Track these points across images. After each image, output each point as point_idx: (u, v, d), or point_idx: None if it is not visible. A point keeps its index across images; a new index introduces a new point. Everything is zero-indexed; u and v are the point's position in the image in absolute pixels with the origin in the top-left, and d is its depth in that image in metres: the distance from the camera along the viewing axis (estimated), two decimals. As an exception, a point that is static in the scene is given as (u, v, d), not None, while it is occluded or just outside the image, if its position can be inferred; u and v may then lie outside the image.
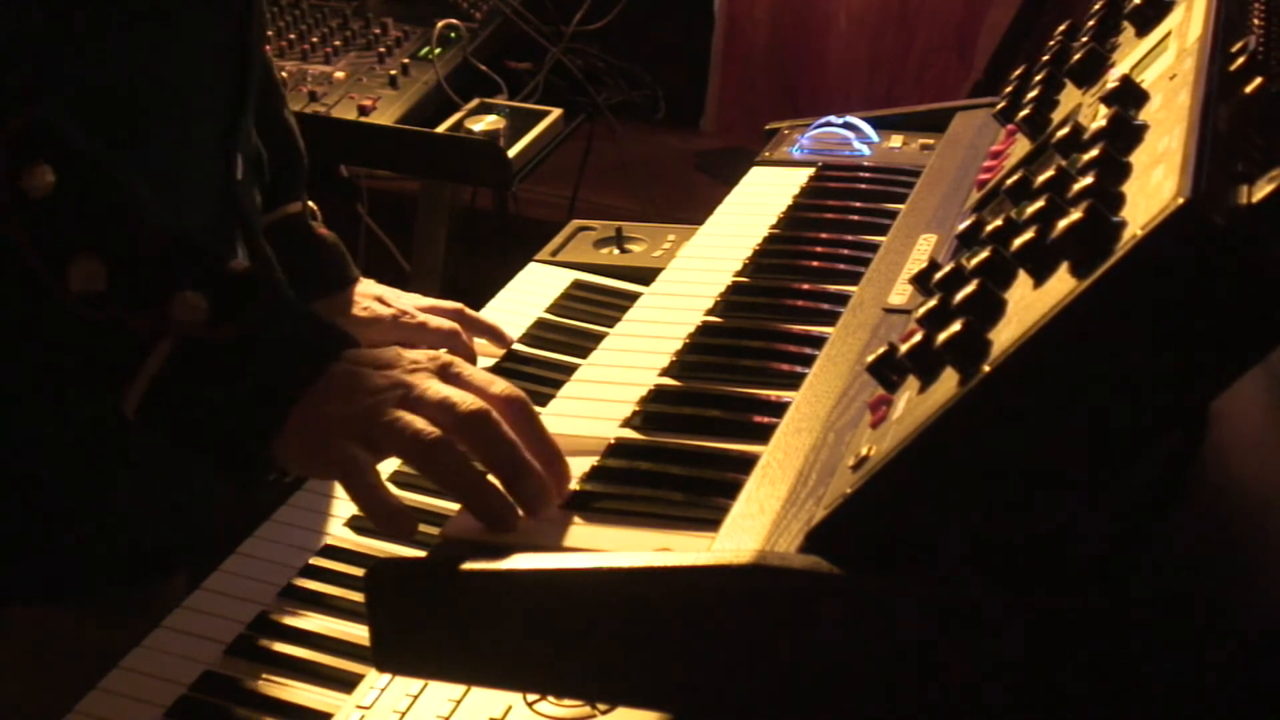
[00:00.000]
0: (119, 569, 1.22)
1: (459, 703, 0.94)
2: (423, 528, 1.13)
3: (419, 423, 0.92)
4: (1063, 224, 0.71)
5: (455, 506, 1.05)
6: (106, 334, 0.97)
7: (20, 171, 0.97)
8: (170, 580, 1.24)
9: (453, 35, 2.44)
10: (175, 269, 0.98)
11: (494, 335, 1.35)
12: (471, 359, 1.29)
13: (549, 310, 1.42)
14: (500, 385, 0.97)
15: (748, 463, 0.92)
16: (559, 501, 0.94)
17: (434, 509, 1.15)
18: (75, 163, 0.99)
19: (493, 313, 1.40)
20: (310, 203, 1.42)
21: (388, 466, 1.21)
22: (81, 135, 1.01)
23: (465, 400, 0.94)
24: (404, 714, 0.94)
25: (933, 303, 0.82)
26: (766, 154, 1.51)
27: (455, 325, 1.33)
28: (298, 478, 1.10)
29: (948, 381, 0.74)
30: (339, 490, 1.19)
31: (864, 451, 0.79)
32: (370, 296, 1.36)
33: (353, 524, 1.16)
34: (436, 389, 0.94)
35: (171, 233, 1.00)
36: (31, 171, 0.97)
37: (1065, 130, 0.88)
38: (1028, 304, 0.72)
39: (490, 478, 0.92)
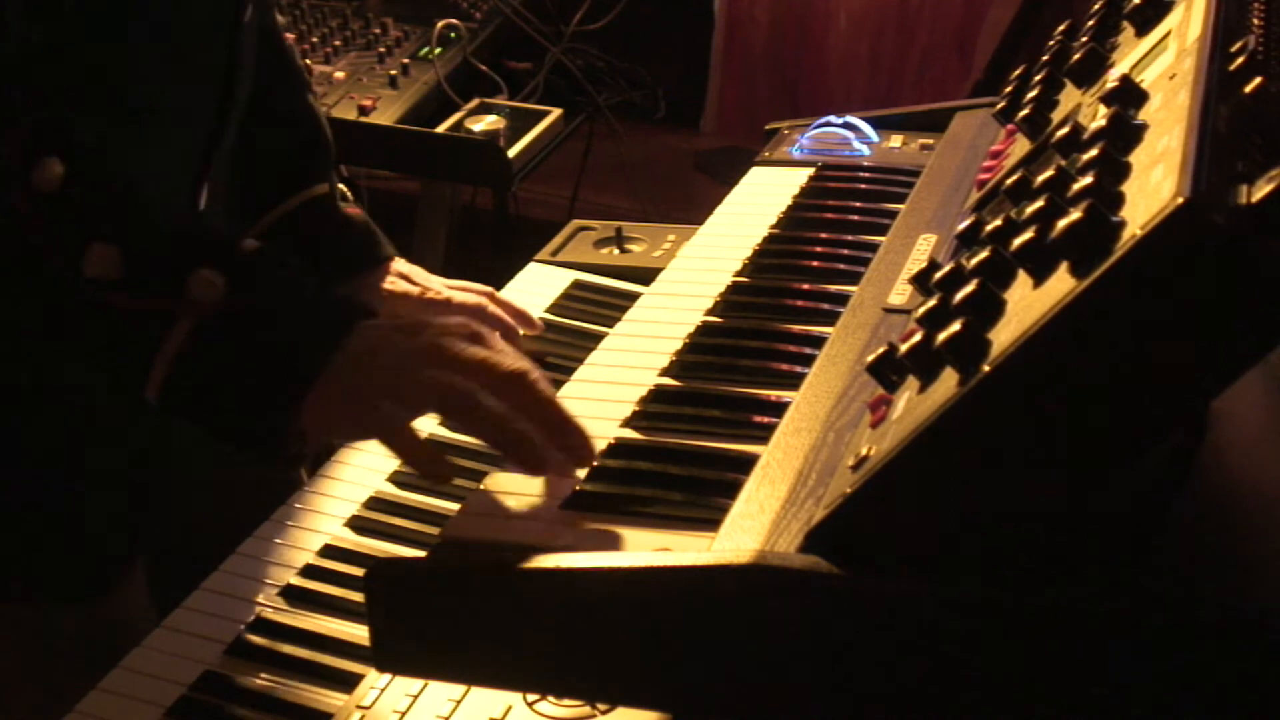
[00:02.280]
0: (76, 562, 1.22)
1: (459, 703, 0.94)
2: (423, 528, 1.14)
3: (456, 379, 0.95)
4: (1062, 224, 0.71)
5: (455, 507, 1.05)
6: (126, 319, 0.98)
7: (32, 167, 0.97)
8: (129, 572, 1.24)
9: (453, 35, 2.45)
10: (189, 250, 0.99)
11: (522, 318, 1.34)
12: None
13: (549, 310, 1.42)
14: (524, 361, 0.99)
15: (748, 463, 0.92)
16: (589, 461, 0.98)
17: (434, 509, 1.15)
18: (83, 154, 1.00)
19: (493, 313, 1.40)
20: (341, 184, 1.41)
21: (388, 466, 1.21)
22: (89, 129, 1.01)
23: (505, 360, 0.97)
24: (404, 714, 0.94)
25: (932, 302, 0.82)
26: (766, 154, 1.51)
27: (482, 301, 1.33)
28: (318, 452, 1.11)
29: (947, 381, 0.74)
30: (339, 490, 1.19)
31: (864, 451, 0.79)
32: (397, 274, 1.36)
33: (353, 524, 1.16)
34: (473, 352, 0.97)
35: (180, 218, 1.00)
36: (41, 166, 0.97)
37: (1065, 130, 0.88)
38: (1027, 304, 0.72)
39: None
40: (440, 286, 1.35)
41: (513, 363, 0.97)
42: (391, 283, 1.35)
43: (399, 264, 1.37)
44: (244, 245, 1.01)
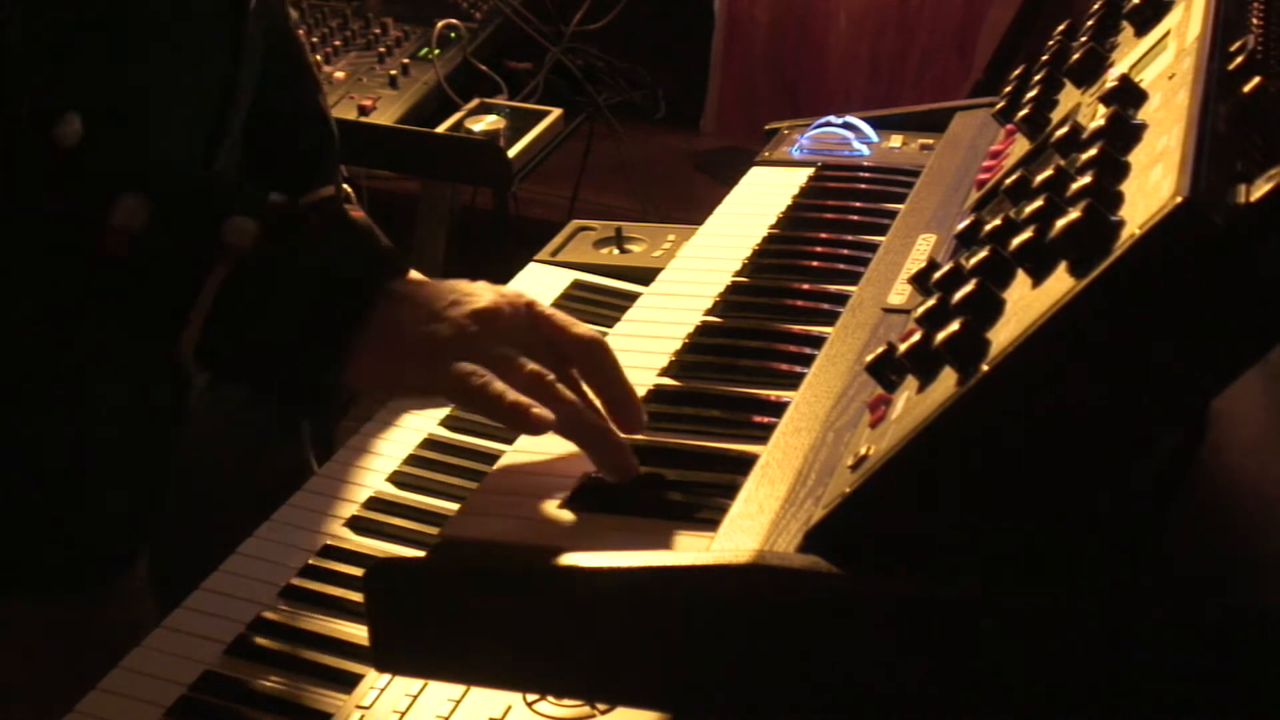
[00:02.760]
0: (84, 556, 1.22)
1: (459, 703, 0.94)
2: (423, 528, 1.14)
3: (529, 363, 0.95)
4: (1061, 223, 0.71)
5: (455, 507, 1.05)
6: (157, 273, 0.96)
7: (50, 123, 0.96)
8: (133, 566, 1.24)
9: (453, 35, 2.45)
10: (219, 199, 0.97)
11: None
12: None
13: (549, 310, 1.42)
14: (583, 328, 0.99)
15: (747, 463, 0.92)
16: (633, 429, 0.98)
17: (434, 509, 1.15)
18: (103, 108, 0.98)
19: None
20: (346, 185, 1.41)
21: (388, 466, 1.21)
22: (106, 83, 1.00)
23: (577, 327, 0.98)
24: (404, 714, 0.94)
25: (932, 302, 0.82)
26: (766, 154, 1.51)
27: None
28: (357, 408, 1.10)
29: (946, 381, 0.74)
30: (339, 490, 1.19)
31: (863, 451, 0.79)
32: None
33: (352, 524, 1.16)
34: (547, 315, 0.98)
35: (207, 171, 0.99)
36: (62, 122, 0.96)
37: (1064, 130, 0.88)
38: (1026, 303, 0.72)
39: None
40: None
41: (585, 331, 0.97)
42: None
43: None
44: (273, 196, 0.99)
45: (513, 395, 0.94)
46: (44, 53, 1.02)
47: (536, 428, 0.93)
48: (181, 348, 0.96)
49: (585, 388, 0.99)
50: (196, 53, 1.15)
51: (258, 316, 0.95)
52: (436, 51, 2.41)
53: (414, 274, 1.36)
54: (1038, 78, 1.13)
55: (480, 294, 0.99)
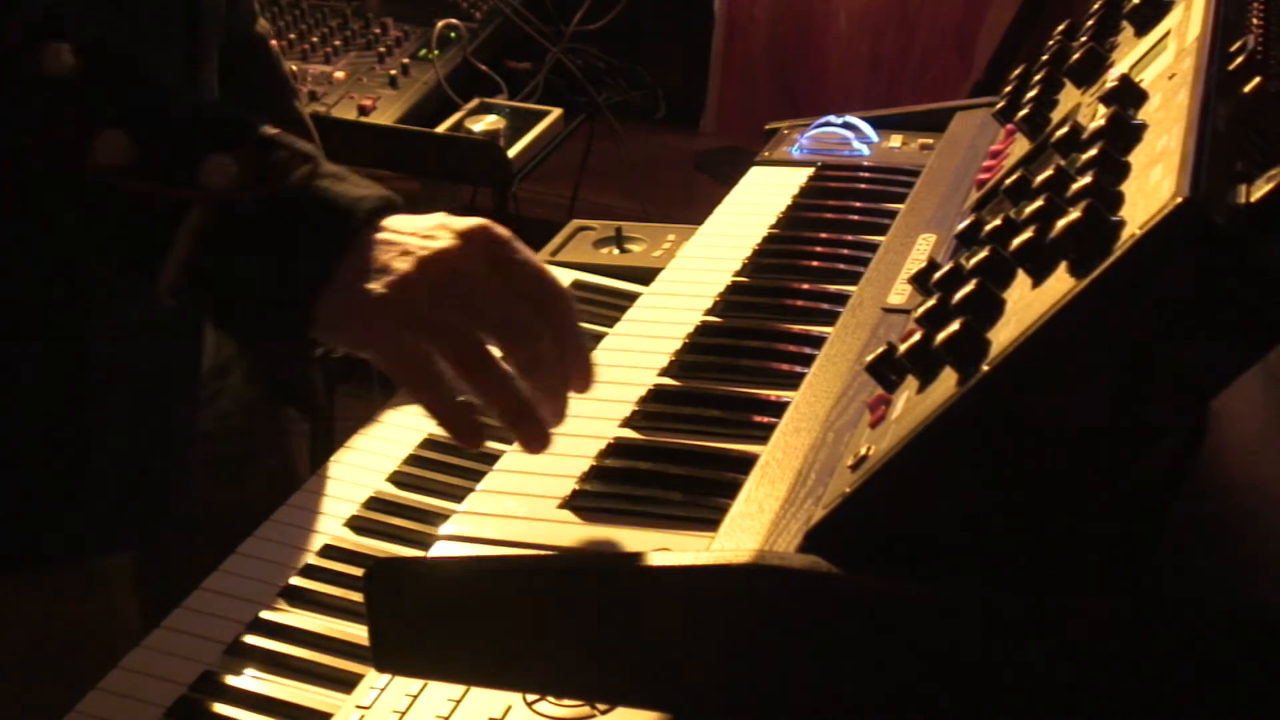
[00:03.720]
0: (68, 536, 1.22)
1: (459, 703, 0.94)
2: (423, 528, 1.13)
3: (463, 325, 0.92)
4: (1061, 223, 0.71)
5: (455, 507, 1.05)
6: (139, 208, 0.95)
7: (40, 50, 0.95)
8: (116, 556, 1.24)
9: (453, 35, 2.45)
10: (202, 136, 0.97)
11: None
12: None
13: (549, 310, 1.42)
14: (547, 278, 0.95)
15: (747, 462, 0.92)
16: (584, 389, 0.95)
17: (434, 509, 1.15)
18: (93, 42, 0.97)
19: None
20: None
21: (388, 466, 1.21)
22: (96, 21, 0.99)
23: (518, 313, 0.93)
24: (404, 714, 0.94)
25: (932, 302, 0.82)
26: (766, 154, 1.51)
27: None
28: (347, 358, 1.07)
29: (946, 381, 0.74)
30: (339, 490, 1.19)
31: (863, 451, 0.79)
32: None
33: (352, 524, 1.16)
34: (486, 285, 0.93)
35: (195, 102, 0.98)
36: (50, 50, 0.96)
37: (1064, 130, 0.88)
38: (1026, 303, 0.72)
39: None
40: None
41: (526, 321, 0.92)
42: None
43: None
44: (262, 130, 0.98)
45: (445, 401, 0.92)
46: None
47: (466, 443, 0.94)
48: (160, 284, 0.96)
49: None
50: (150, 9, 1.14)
51: (233, 256, 0.95)
52: (436, 52, 2.41)
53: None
54: (1038, 78, 1.13)
55: (438, 236, 0.95)
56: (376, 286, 0.92)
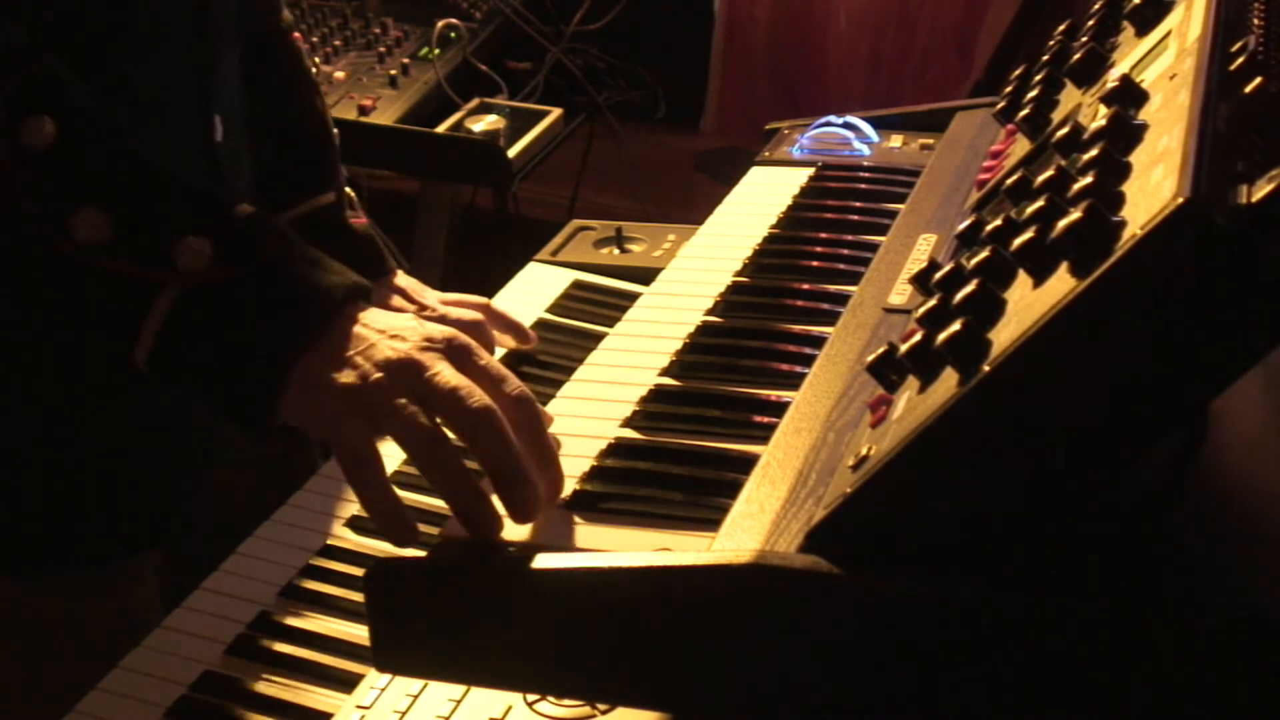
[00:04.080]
0: (88, 542, 1.22)
1: (459, 703, 0.94)
2: (423, 528, 1.13)
3: (422, 416, 0.91)
4: (1062, 224, 0.71)
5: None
6: (114, 285, 0.96)
7: (20, 124, 0.96)
8: (137, 562, 1.24)
9: (453, 35, 2.45)
10: (178, 216, 0.97)
11: (517, 332, 1.33)
12: (490, 350, 1.27)
13: (549, 310, 1.42)
14: (511, 383, 0.95)
15: (748, 463, 0.92)
16: (551, 505, 0.93)
17: (434, 509, 1.15)
18: (76, 114, 0.98)
19: (493, 313, 1.40)
20: (348, 189, 1.41)
21: (388, 467, 1.21)
22: (82, 88, 1.00)
23: (473, 396, 0.91)
24: (404, 714, 0.94)
25: (932, 302, 0.82)
26: (766, 154, 1.51)
27: (479, 316, 1.30)
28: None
29: (947, 381, 0.74)
30: (339, 490, 1.19)
31: (864, 451, 0.79)
32: (395, 289, 1.35)
33: (353, 524, 1.16)
34: (446, 377, 0.92)
35: (174, 180, 0.99)
36: (32, 123, 0.96)
37: (1065, 130, 0.88)
38: (1027, 304, 0.72)
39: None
40: (435, 302, 1.34)
41: (479, 401, 0.91)
42: (388, 299, 1.34)
43: (400, 278, 1.37)
44: (238, 210, 0.99)
45: (378, 497, 0.92)
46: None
47: (393, 542, 0.93)
48: (135, 358, 0.97)
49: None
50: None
51: (203, 338, 0.96)
52: (436, 51, 2.41)
53: (401, 278, 1.35)
54: (1038, 78, 1.13)
55: (407, 337, 0.95)
56: (340, 378, 0.92)
